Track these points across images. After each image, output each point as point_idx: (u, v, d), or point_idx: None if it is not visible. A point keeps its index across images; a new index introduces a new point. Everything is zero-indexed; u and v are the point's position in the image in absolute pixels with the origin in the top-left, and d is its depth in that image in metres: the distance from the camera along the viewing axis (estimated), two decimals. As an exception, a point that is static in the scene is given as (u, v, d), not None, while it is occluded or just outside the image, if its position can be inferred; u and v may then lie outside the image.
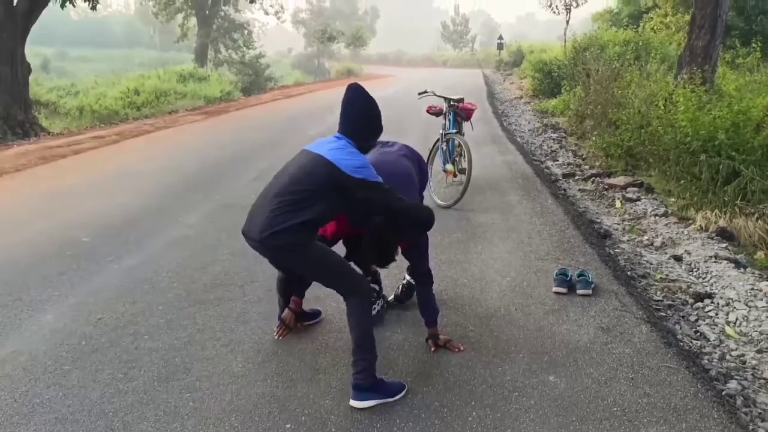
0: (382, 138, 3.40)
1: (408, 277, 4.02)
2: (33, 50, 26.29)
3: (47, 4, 13.36)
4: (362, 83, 3.27)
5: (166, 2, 36.50)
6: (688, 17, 12.67)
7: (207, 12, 34.60)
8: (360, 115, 3.08)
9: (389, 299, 3.93)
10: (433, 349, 3.41)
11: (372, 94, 3.20)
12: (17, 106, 12.57)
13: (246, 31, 37.25)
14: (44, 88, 19.88)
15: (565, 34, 22.13)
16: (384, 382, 2.98)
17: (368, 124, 3.11)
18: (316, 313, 3.77)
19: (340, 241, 3.43)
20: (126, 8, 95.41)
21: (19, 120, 12.51)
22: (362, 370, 2.89)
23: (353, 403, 2.88)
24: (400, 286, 4.06)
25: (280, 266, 3.31)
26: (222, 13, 36.62)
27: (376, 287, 3.90)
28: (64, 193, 7.26)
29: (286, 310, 3.56)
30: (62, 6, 14.10)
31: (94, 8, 14.85)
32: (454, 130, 6.95)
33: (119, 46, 69.33)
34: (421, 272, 3.47)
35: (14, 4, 12.48)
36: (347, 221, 3.28)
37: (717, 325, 3.96)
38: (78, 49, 58.48)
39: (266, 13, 59.41)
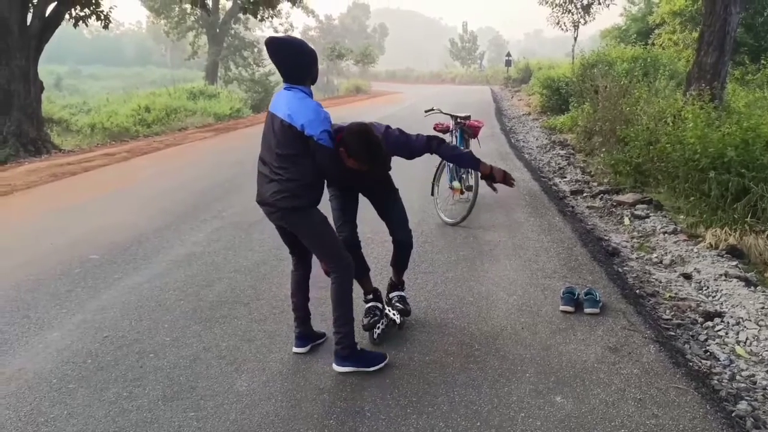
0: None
1: (396, 293, 4.05)
2: (46, 68, 26.66)
3: (60, 24, 13.57)
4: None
5: (178, 21, 37.10)
6: (696, 34, 12.68)
7: (217, 30, 35.05)
8: (289, 61, 3.16)
9: (396, 321, 3.90)
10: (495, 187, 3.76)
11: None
12: (30, 123, 12.74)
13: (256, 49, 37.64)
14: (57, 106, 20.14)
15: (573, 50, 22.18)
16: (364, 352, 3.42)
17: (297, 64, 3.18)
18: (321, 335, 3.75)
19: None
20: (138, 27, 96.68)
21: (31, 137, 12.67)
22: (341, 341, 3.30)
23: (334, 367, 3.34)
24: (393, 300, 4.03)
25: (287, 236, 3.51)
26: (232, 32, 37.09)
27: (378, 305, 3.88)
28: (73, 210, 7.31)
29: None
30: (75, 25, 14.34)
31: (106, 27, 15.09)
32: (461, 148, 6.94)
33: (131, 63, 70.25)
34: (428, 142, 3.53)
35: (28, 23, 12.68)
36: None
37: (727, 345, 3.91)
38: (90, 67, 59.34)
39: (276, 31, 59.96)
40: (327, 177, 3.33)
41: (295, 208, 3.20)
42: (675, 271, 5.22)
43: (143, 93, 25.22)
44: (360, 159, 3.19)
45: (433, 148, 3.53)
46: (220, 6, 35.64)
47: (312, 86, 3.32)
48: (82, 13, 14.23)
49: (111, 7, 14.84)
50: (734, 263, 5.28)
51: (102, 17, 14.50)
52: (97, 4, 14.39)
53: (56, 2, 13.16)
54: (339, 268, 3.33)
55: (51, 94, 23.91)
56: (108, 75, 54.76)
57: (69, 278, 4.89)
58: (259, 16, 22.35)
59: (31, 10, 12.85)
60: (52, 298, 4.46)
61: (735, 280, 4.87)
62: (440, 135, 7.17)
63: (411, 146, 3.51)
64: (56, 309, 4.27)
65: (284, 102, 3.16)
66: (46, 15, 13.01)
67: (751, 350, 3.83)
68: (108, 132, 16.10)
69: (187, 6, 33.14)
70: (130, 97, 23.19)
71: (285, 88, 3.23)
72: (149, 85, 39.77)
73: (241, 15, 33.52)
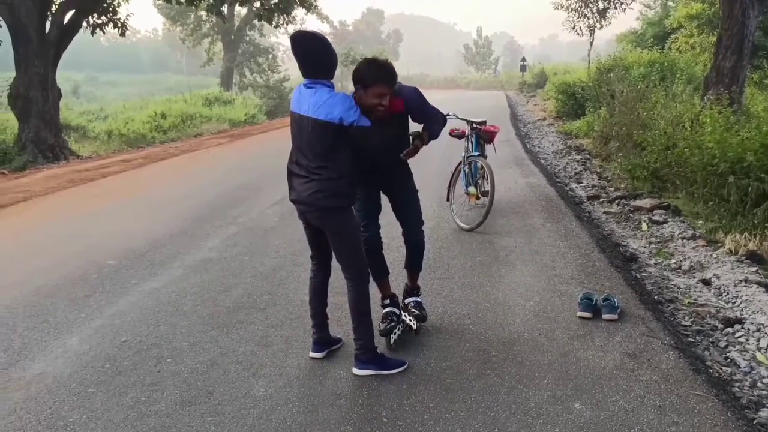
0: None
1: (411, 298, 4.05)
2: (64, 75, 26.99)
3: (78, 31, 13.74)
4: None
5: (194, 28, 37.40)
6: (714, 38, 12.58)
7: (233, 37, 35.27)
8: (317, 54, 3.18)
9: (413, 327, 3.89)
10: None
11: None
12: (48, 130, 12.90)
13: (270, 56, 37.82)
14: (74, 113, 20.38)
15: (589, 55, 22.06)
16: (384, 356, 3.48)
17: (324, 58, 3.19)
18: (337, 340, 3.76)
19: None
20: (154, 34, 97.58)
21: (49, 144, 12.82)
22: (361, 346, 3.38)
23: (354, 371, 3.39)
24: (409, 305, 4.02)
25: (315, 237, 3.50)
26: (247, 38, 37.29)
27: (396, 311, 3.87)
28: (91, 216, 7.38)
29: None
30: (92, 32, 14.52)
31: (123, 34, 15.27)
32: (477, 153, 6.93)
33: (147, 70, 70.91)
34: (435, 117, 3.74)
35: (46, 31, 12.85)
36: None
37: (748, 351, 3.85)
38: (107, 74, 59.97)
39: (290, 38, 60.17)
40: (367, 155, 3.45)
41: (334, 208, 3.24)
42: (694, 277, 5.16)
43: (159, 100, 25.47)
44: (374, 81, 3.23)
45: (438, 115, 3.75)
46: (235, 13, 35.90)
47: None
48: (99, 21, 14.43)
49: (128, 15, 15.05)
50: (754, 269, 5.21)
51: (119, 25, 14.68)
52: (115, 12, 14.59)
53: (74, 10, 13.33)
54: (357, 274, 3.37)
55: (68, 101, 24.22)
56: (124, 82, 55.32)
57: (87, 283, 4.94)
58: (273, 23, 22.44)
59: (50, 18, 13.02)
60: (71, 303, 4.51)
61: (755, 286, 4.80)
62: (456, 139, 7.24)
63: (424, 102, 3.64)
64: (75, 314, 4.31)
65: (313, 102, 3.13)
66: (64, 23, 13.18)
67: (772, 357, 3.77)
68: (125, 138, 16.25)
69: (203, 13, 33.44)
70: (147, 104, 23.44)
71: (306, 86, 3.20)
72: (165, 91, 40.07)
73: (256, 22, 33.79)
